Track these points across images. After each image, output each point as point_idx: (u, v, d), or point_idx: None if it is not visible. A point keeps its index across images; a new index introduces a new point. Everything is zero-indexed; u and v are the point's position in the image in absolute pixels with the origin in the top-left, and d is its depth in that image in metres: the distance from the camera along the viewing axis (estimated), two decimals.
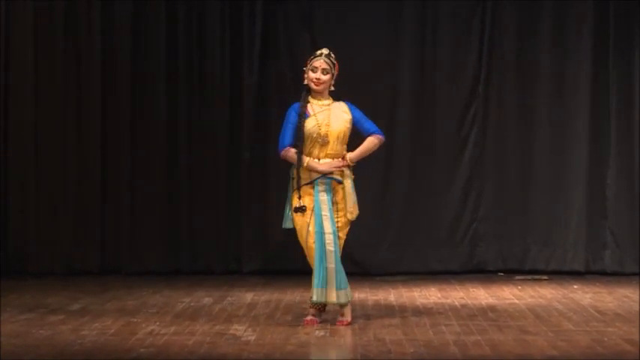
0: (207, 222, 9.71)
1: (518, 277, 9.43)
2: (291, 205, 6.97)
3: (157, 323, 7.05)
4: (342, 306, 6.97)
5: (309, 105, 7.07)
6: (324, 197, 6.96)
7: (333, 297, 6.91)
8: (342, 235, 7.08)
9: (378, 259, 9.67)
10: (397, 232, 9.74)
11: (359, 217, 9.86)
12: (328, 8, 9.76)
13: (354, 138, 7.26)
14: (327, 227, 6.93)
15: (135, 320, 7.18)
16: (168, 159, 9.73)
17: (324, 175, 6.98)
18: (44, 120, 9.67)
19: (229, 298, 8.23)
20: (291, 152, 7.01)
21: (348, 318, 6.98)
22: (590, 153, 9.74)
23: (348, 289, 7.00)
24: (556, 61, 9.77)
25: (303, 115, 7.01)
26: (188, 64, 9.74)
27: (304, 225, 6.95)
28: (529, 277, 9.45)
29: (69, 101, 9.69)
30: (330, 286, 6.90)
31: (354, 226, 9.66)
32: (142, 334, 6.65)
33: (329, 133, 7.02)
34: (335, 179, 7.02)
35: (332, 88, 7.15)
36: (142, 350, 6.18)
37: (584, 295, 8.46)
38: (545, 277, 9.43)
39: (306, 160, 6.98)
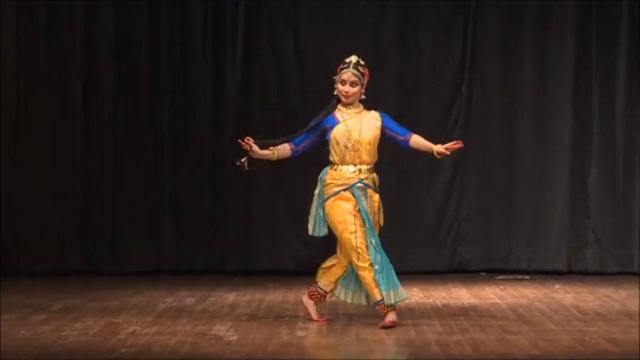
0: (190, 222, 9.70)
1: (500, 277, 9.45)
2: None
3: (139, 323, 7.03)
4: (392, 309, 6.85)
5: (337, 112, 7.03)
6: (365, 202, 6.89)
7: (404, 293, 6.86)
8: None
9: None
10: (381, 232, 9.72)
11: None
12: (312, 8, 9.76)
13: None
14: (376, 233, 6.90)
15: (117, 320, 7.16)
16: (151, 159, 9.71)
17: (361, 180, 6.92)
18: (26, 119, 9.64)
19: (211, 298, 8.21)
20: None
21: (394, 317, 6.85)
22: (573, 153, 9.77)
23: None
24: (539, 61, 9.79)
25: (320, 121, 7.02)
26: (171, 63, 9.73)
27: (350, 230, 6.81)
28: (511, 276, 9.47)
29: (52, 101, 9.65)
30: (397, 285, 6.82)
31: None
32: (124, 335, 6.63)
33: (360, 139, 6.97)
34: (370, 186, 6.95)
35: (363, 97, 7.07)
36: (123, 350, 6.17)
37: (565, 294, 8.49)
38: (527, 277, 9.45)
39: (265, 152, 7.13)
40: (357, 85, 7.00)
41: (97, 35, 9.68)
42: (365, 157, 6.98)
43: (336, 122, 7.01)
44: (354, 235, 6.82)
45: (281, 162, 9.67)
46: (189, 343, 6.35)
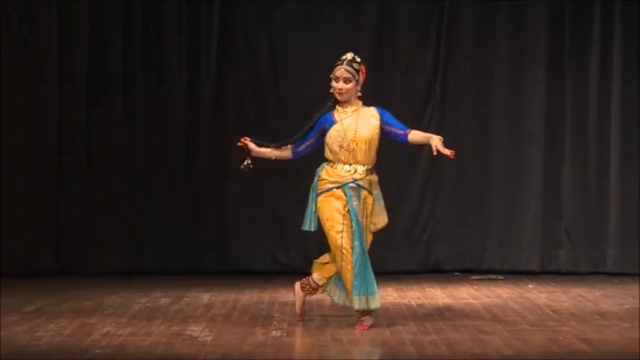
0: (165, 222, 9.67)
1: (474, 277, 9.49)
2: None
3: (113, 324, 7.01)
4: (368, 313, 6.82)
5: (335, 112, 6.96)
6: (356, 202, 6.83)
7: (377, 302, 6.77)
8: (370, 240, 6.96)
9: None
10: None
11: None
12: (287, 8, 9.77)
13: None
14: (364, 235, 6.82)
15: (91, 321, 7.13)
16: (125, 158, 9.68)
17: (355, 180, 6.86)
18: None
19: (186, 299, 8.20)
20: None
21: (370, 322, 6.83)
22: (546, 153, 9.83)
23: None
24: (512, 62, 9.84)
25: (316, 122, 6.98)
26: (145, 63, 9.70)
27: (337, 229, 6.78)
28: (485, 276, 9.51)
29: (25, 100, 9.60)
30: (373, 292, 6.75)
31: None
32: (98, 335, 6.61)
33: (356, 138, 6.89)
34: (364, 187, 6.88)
35: (359, 94, 6.99)
36: (97, 351, 6.14)
37: (539, 294, 8.53)
38: (501, 277, 9.49)
39: (263, 149, 7.12)
40: (350, 81, 6.90)
41: (72, 34, 9.64)
42: (360, 158, 6.90)
43: (333, 122, 6.92)
44: (340, 235, 6.79)
45: (257, 162, 9.70)
46: (164, 344, 6.34)
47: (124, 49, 9.66)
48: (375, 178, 6.97)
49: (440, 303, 8.03)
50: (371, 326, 6.78)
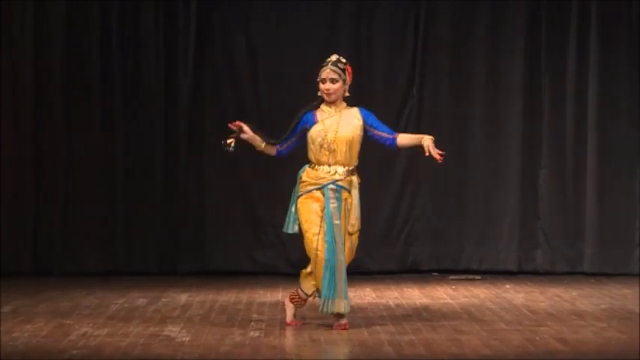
0: (143, 222, 9.65)
1: (452, 277, 9.51)
2: (295, 208, 6.83)
3: (90, 325, 6.99)
4: (342, 315, 6.78)
5: (318, 111, 6.91)
6: (334, 204, 6.77)
7: (341, 307, 6.69)
8: (354, 242, 6.91)
9: None
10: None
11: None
12: (264, 8, 9.76)
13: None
14: (338, 237, 6.74)
15: (68, 322, 7.10)
16: (103, 158, 9.66)
17: (334, 181, 6.81)
18: None
19: (164, 299, 8.18)
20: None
21: (346, 321, 6.80)
22: (523, 154, 9.86)
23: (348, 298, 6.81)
24: (489, 63, 9.87)
25: (298, 122, 6.91)
26: (123, 64, 9.67)
27: (313, 232, 6.73)
28: (462, 277, 9.53)
29: (2, 100, 9.55)
30: (339, 296, 6.67)
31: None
32: (75, 336, 6.59)
33: (336, 139, 6.83)
34: (344, 188, 6.83)
35: (347, 94, 6.93)
36: (74, 352, 6.12)
37: (516, 294, 8.55)
38: (479, 277, 9.52)
39: (256, 137, 6.95)
40: (337, 81, 6.86)
41: (48, 34, 9.60)
42: (340, 158, 6.86)
43: (314, 122, 6.88)
44: (316, 237, 6.75)
45: (235, 163, 9.72)
46: (142, 345, 6.32)
47: (102, 49, 9.63)
48: (355, 179, 6.93)
49: (418, 303, 8.04)
50: (347, 325, 6.75)
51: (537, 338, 6.52)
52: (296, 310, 7.00)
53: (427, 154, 6.84)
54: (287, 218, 6.91)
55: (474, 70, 9.86)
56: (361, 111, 6.98)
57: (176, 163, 9.69)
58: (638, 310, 7.62)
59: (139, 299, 8.16)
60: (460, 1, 9.82)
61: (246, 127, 6.95)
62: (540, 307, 7.85)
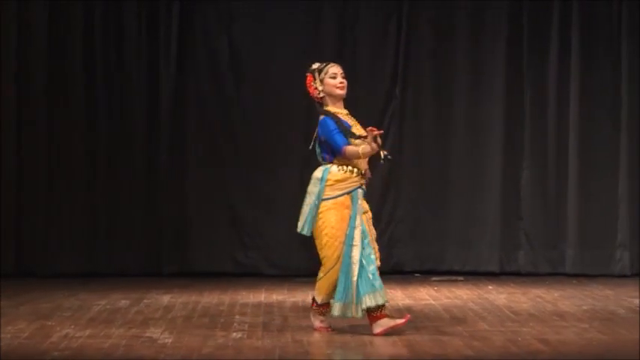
0: (125, 223, 9.63)
1: (434, 279, 9.52)
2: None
3: (72, 326, 6.96)
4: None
5: (341, 115, 6.76)
6: (361, 210, 6.69)
7: (356, 311, 6.58)
8: (376, 245, 6.82)
9: (296, 261, 9.68)
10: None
11: (278, 217, 9.91)
12: (247, 9, 9.75)
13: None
14: (357, 239, 6.64)
15: (49, 323, 7.08)
16: (85, 160, 9.63)
17: (361, 185, 6.70)
18: None
19: (146, 301, 8.16)
20: (350, 147, 6.62)
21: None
22: (505, 155, 9.88)
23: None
24: (472, 64, 9.89)
25: (341, 123, 6.69)
26: (106, 66, 9.65)
27: (340, 240, 6.61)
28: (445, 278, 9.55)
29: None
30: (352, 300, 6.57)
31: (273, 226, 9.73)
32: (57, 338, 6.56)
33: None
34: (364, 192, 6.74)
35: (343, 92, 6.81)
36: (56, 354, 6.10)
37: (498, 295, 8.57)
38: (461, 279, 9.53)
39: (360, 147, 6.60)
40: (345, 78, 6.81)
41: (30, 34, 9.57)
42: (365, 163, 6.76)
43: (349, 126, 6.73)
44: (342, 246, 6.63)
45: (218, 164, 9.72)
46: (124, 346, 6.31)
47: (84, 50, 9.61)
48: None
49: (400, 304, 8.05)
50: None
51: (519, 339, 6.54)
52: (321, 317, 6.79)
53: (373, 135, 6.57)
54: (305, 218, 6.71)
55: (456, 72, 9.88)
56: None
57: (158, 163, 9.68)
58: (619, 311, 7.65)
59: (121, 301, 8.13)
60: (442, 3, 9.84)
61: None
62: (522, 307, 7.87)
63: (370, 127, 6.54)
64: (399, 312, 7.65)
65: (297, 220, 9.65)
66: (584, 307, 7.86)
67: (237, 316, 7.40)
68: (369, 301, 6.57)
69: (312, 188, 6.73)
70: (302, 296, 8.42)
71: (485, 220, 9.84)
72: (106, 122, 9.66)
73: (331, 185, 6.69)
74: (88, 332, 6.76)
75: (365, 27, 9.83)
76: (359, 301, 6.58)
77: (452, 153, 9.89)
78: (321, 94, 6.81)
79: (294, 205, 9.71)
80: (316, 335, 6.66)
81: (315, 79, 6.82)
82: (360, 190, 6.74)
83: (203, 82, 9.74)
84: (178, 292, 8.64)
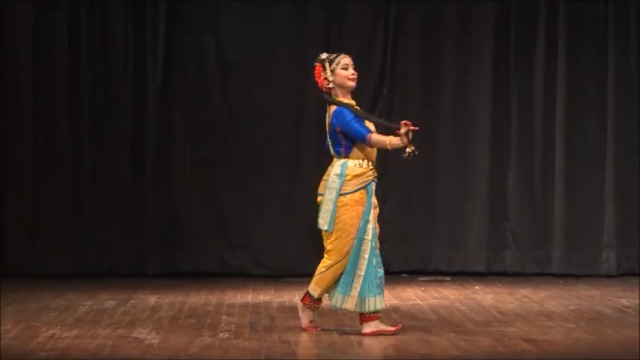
0: (112, 223, 9.61)
1: (421, 279, 9.53)
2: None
3: (59, 327, 6.95)
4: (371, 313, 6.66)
5: (351, 107, 6.71)
6: (373, 200, 6.68)
7: (353, 304, 6.59)
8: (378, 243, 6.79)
9: (283, 261, 9.68)
10: (303, 233, 9.76)
11: (265, 218, 9.90)
12: (234, 9, 9.74)
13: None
14: (369, 233, 6.64)
15: (36, 324, 7.06)
16: (71, 160, 9.61)
17: (375, 178, 6.67)
18: None
19: (132, 301, 8.15)
20: (376, 135, 6.56)
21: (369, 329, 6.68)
22: (492, 155, 9.90)
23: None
24: (459, 63, 9.90)
25: (357, 112, 6.63)
26: (92, 65, 9.63)
27: (353, 236, 6.58)
28: (432, 278, 9.56)
29: None
30: (354, 294, 6.58)
31: (260, 227, 9.73)
32: (43, 338, 6.55)
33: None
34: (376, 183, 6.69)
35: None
36: (42, 354, 6.08)
37: (485, 295, 8.59)
38: (448, 279, 9.54)
39: (388, 138, 6.55)
40: (355, 69, 6.76)
41: (15, 34, 9.54)
42: (375, 154, 6.73)
43: (361, 117, 6.69)
44: (354, 241, 6.62)
45: (204, 164, 9.71)
46: (110, 347, 6.29)
47: (70, 50, 9.58)
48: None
49: (387, 304, 8.02)
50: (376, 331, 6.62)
51: (506, 339, 6.55)
52: (312, 314, 6.78)
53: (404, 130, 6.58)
54: (327, 215, 6.61)
55: (443, 71, 9.89)
56: None
57: (145, 163, 9.66)
58: (605, 311, 7.67)
59: (108, 301, 8.12)
60: (430, 3, 9.85)
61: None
62: (509, 307, 7.88)
63: (405, 121, 6.52)
64: (386, 312, 7.65)
65: (285, 220, 9.78)
66: (571, 307, 7.88)
67: (224, 317, 7.39)
68: (371, 304, 6.59)
69: (332, 184, 6.65)
70: (289, 297, 8.42)
71: (472, 220, 9.85)
72: (92, 122, 9.63)
73: (349, 180, 6.64)
74: (74, 333, 6.74)
75: (352, 27, 9.83)
76: (361, 297, 6.58)
77: (439, 153, 9.89)
78: (331, 85, 6.73)
79: (282, 205, 9.81)
80: (303, 335, 6.66)
81: (324, 69, 6.73)
82: (373, 184, 6.71)
83: (190, 81, 9.73)
84: (165, 292, 8.62)
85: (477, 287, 9.06)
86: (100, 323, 7.10)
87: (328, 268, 6.67)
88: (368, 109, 9.78)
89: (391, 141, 6.57)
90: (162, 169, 9.68)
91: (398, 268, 9.82)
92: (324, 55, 6.80)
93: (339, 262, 6.64)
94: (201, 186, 9.71)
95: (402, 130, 6.52)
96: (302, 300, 6.80)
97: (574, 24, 9.87)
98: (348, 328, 6.91)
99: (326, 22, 9.82)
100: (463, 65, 9.89)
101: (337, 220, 6.62)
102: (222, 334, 6.71)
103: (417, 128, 6.56)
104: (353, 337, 6.59)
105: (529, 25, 9.89)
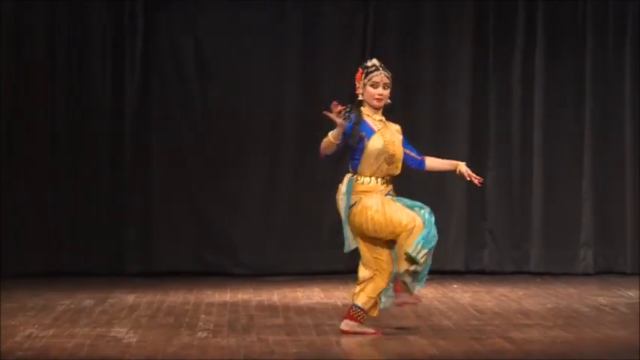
0: (89, 223, 9.58)
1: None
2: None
3: (36, 326, 6.92)
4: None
5: (367, 118, 6.60)
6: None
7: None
8: None
9: (262, 260, 9.68)
10: (282, 232, 9.76)
11: (243, 216, 9.89)
12: (212, 9, 9.73)
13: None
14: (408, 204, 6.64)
15: (13, 323, 7.02)
16: (48, 159, 9.57)
17: (388, 192, 6.64)
18: None
19: (110, 300, 8.12)
20: (323, 140, 6.46)
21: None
22: (470, 155, 9.90)
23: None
24: (437, 64, 9.92)
25: (358, 124, 6.52)
26: (69, 65, 9.60)
27: (384, 210, 6.53)
28: None
29: None
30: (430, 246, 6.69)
31: (239, 225, 9.72)
32: (20, 337, 6.52)
33: (396, 152, 6.61)
34: (390, 195, 6.68)
35: (389, 101, 6.71)
36: (20, 354, 6.06)
37: (463, 294, 8.61)
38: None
39: (329, 134, 6.46)
40: (388, 87, 6.65)
41: None
42: (395, 171, 6.67)
43: (371, 131, 6.58)
44: (399, 210, 6.57)
45: (182, 162, 9.69)
46: (88, 346, 6.27)
47: (47, 49, 9.55)
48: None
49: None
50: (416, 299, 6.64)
51: (484, 337, 6.56)
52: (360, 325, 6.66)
53: (468, 179, 6.75)
54: (345, 238, 6.66)
55: (421, 72, 9.90)
56: (399, 127, 6.80)
57: (123, 162, 9.63)
58: (583, 310, 7.71)
59: (86, 300, 8.09)
60: (408, 3, 9.86)
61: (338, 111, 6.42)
62: (487, 306, 7.90)
63: (334, 102, 6.40)
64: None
65: (264, 219, 9.77)
66: (549, 306, 7.91)
67: (202, 316, 7.38)
68: (421, 254, 6.68)
69: (340, 203, 6.63)
70: (267, 295, 8.41)
71: (450, 219, 9.87)
72: (70, 122, 9.60)
73: (357, 194, 6.60)
74: (52, 332, 6.72)
75: (330, 25, 9.83)
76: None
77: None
78: (361, 98, 6.65)
79: (260, 204, 9.80)
80: (282, 335, 6.65)
81: (361, 79, 6.65)
82: (387, 196, 6.65)
83: (168, 81, 9.71)
84: (143, 291, 8.60)
85: (455, 286, 9.08)
86: (78, 322, 7.08)
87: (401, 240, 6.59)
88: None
89: (332, 134, 6.47)
90: (141, 168, 9.65)
91: None
92: (369, 63, 6.69)
93: (413, 226, 6.56)
94: (179, 185, 9.69)
95: (333, 113, 6.38)
96: (350, 317, 6.62)
97: (552, 25, 9.91)
98: (327, 327, 6.91)
99: (304, 21, 9.81)
100: (441, 65, 9.91)
101: (365, 219, 6.54)
102: (200, 333, 6.70)
103: (339, 107, 6.39)
104: (332, 337, 6.59)
105: (507, 26, 9.92)
